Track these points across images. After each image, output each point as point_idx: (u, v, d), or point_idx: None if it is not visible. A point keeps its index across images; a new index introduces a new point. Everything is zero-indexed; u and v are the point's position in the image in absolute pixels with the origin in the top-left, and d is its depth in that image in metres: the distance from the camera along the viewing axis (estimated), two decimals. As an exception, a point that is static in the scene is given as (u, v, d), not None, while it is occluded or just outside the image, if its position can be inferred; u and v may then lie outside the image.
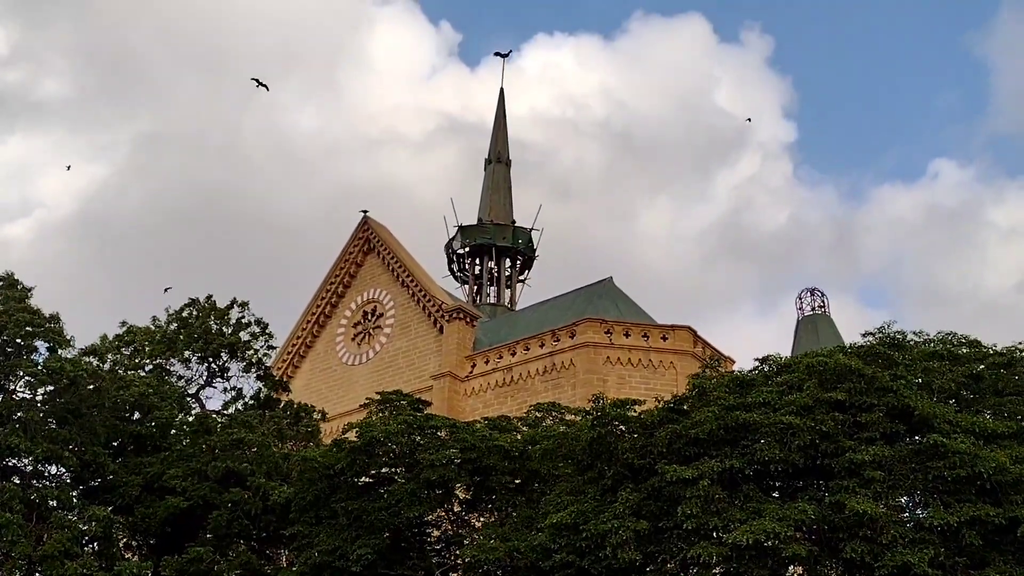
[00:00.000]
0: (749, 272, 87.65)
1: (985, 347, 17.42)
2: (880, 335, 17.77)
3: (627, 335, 31.33)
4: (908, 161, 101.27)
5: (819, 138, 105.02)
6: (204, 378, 25.88)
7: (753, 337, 77.56)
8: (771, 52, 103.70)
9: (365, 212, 37.72)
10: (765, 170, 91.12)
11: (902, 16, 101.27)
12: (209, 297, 27.33)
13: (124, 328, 25.56)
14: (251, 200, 78.33)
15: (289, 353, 37.33)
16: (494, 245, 42.67)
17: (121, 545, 21.67)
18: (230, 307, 26.74)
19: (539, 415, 20.85)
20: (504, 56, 48.13)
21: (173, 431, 23.23)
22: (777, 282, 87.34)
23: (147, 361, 25.27)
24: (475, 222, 43.82)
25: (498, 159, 45.61)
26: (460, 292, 42.84)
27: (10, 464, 20.78)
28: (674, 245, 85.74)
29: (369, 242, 37.60)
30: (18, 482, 20.73)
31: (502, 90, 47.50)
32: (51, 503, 20.21)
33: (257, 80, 33.37)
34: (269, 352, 25.94)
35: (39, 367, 21.06)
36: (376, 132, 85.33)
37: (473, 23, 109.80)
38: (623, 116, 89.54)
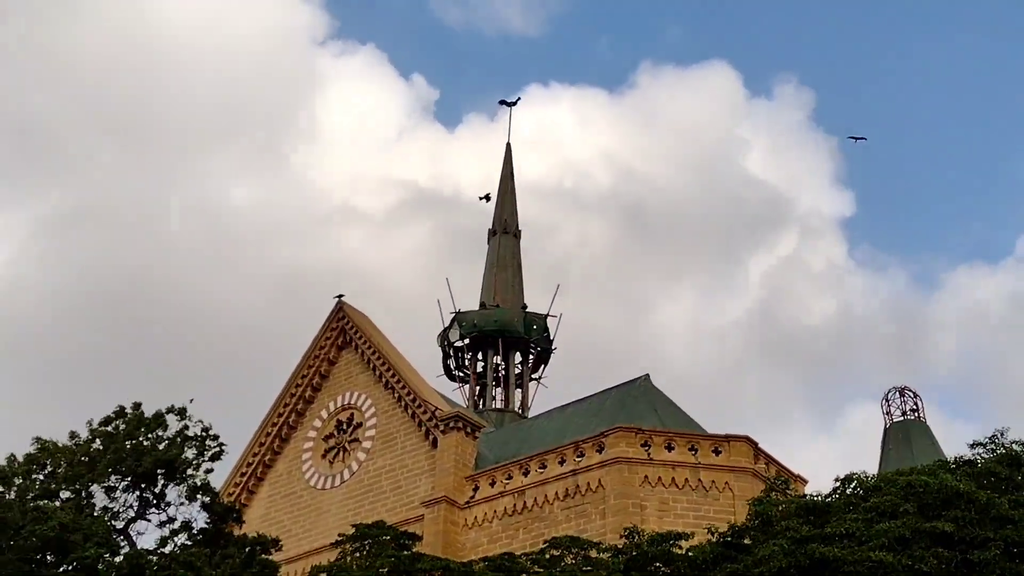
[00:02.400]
0: (791, 374, 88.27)
1: None
2: (993, 448, 17.27)
3: (670, 447, 30.93)
4: (991, 238, 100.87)
5: (878, 211, 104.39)
6: (135, 508, 25.62)
7: (805, 451, 77.08)
8: (812, 108, 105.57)
9: (340, 297, 37.87)
10: (808, 250, 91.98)
11: (977, 67, 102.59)
12: (137, 406, 27.47)
13: (36, 446, 25.45)
14: (182, 289, 79.19)
15: (243, 475, 37.13)
16: (501, 335, 42.79)
17: None
18: (164, 414, 26.93)
19: (556, 553, 20.18)
20: (511, 104, 49.39)
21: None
22: (829, 386, 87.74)
23: (64, 487, 25.08)
24: (476, 307, 44.00)
25: (504, 229, 46.27)
26: (458, 395, 42.83)
27: None
28: (698, 342, 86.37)
29: (345, 334, 37.59)
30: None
31: (509, 146, 48.58)
32: None
33: (485, 197, 37.52)
34: (218, 463, 26.23)
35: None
36: (331, 208, 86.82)
37: (452, 76, 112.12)
38: (633, 186, 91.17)
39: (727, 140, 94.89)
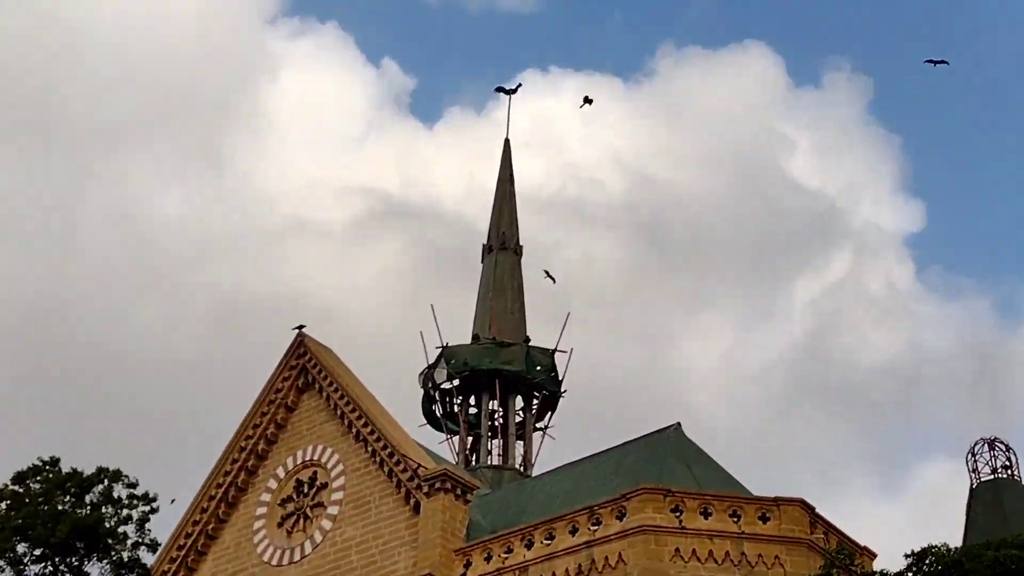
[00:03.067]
0: (848, 424, 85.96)
1: None
2: None
3: (707, 513, 30.00)
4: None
5: (953, 225, 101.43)
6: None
7: (869, 517, 75.30)
8: (870, 99, 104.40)
9: (300, 328, 37.08)
10: (866, 272, 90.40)
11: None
12: (55, 462, 26.89)
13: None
14: (96, 318, 77.63)
15: (181, 548, 35.89)
16: (499, 375, 41.98)
17: None
18: (90, 476, 26.40)
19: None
20: (511, 92, 48.71)
21: None
22: (895, 438, 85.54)
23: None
24: (467, 340, 43.36)
25: (503, 245, 45.43)
26: (446, 448, 42.26)
27: None
28: (733, 383, 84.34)
29: (306, 373, 36.61)
30: None
31: (507, 143, 47.70)
32: None
33: (547, 273, 39.10)
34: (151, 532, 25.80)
35: None
36: (281, 220, 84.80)
37: (431, 61, 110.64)
38: (651, 195, 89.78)
39: (766, 138, 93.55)
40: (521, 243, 46.07)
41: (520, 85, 49.98)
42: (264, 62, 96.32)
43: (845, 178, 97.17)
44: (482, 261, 45.71)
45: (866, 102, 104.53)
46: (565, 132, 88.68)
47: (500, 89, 49.04)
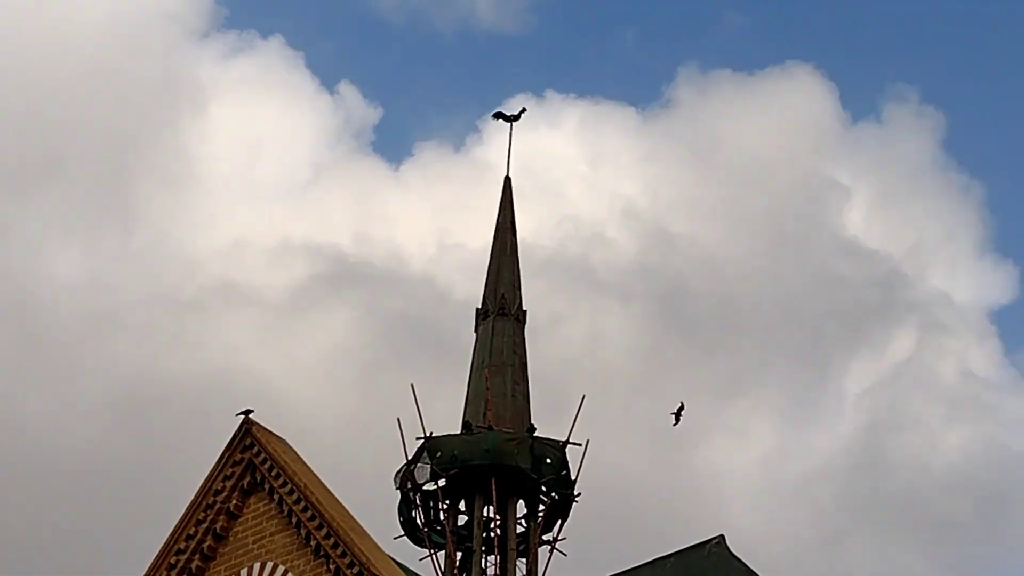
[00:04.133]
0: (916, 546, 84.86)
1: None
2: None
3: None
4: None
5: None
6: None
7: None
8: (943, 136, 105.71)
9: (246, 415, 36.35)
10: (938, 355, 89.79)
11: None
12: None
13: None
14: None
15: None
16: (496, 473, 40.98)
17: None
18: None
19: None
20: (512, 119, 48.43)
21: None
22: (977, 564, 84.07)
23: None
24: (456, 429, 42.34)
25: (501, 310, 44.70)
26: (428, 567, 41.29)
27: None
28: (773, 492, 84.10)
29: (254, 471, 35.54)
30: None
31: (508, 183, 47.27)
32: None
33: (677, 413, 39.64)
34: None
35: None
36: (206, 285, 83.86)
37: (400, 87, 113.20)
38: (671, 257, 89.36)
39: (814, 186, 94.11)
40: (525, 308, 45.55)
41: (524, 110, 49.46)
42: (188, 90, 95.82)
43: (912, 236, 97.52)
44: (475, 330, 44.89)
45: (938, 140, 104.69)
46: (565, 175, 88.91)
47: (499, 116, 48.78)
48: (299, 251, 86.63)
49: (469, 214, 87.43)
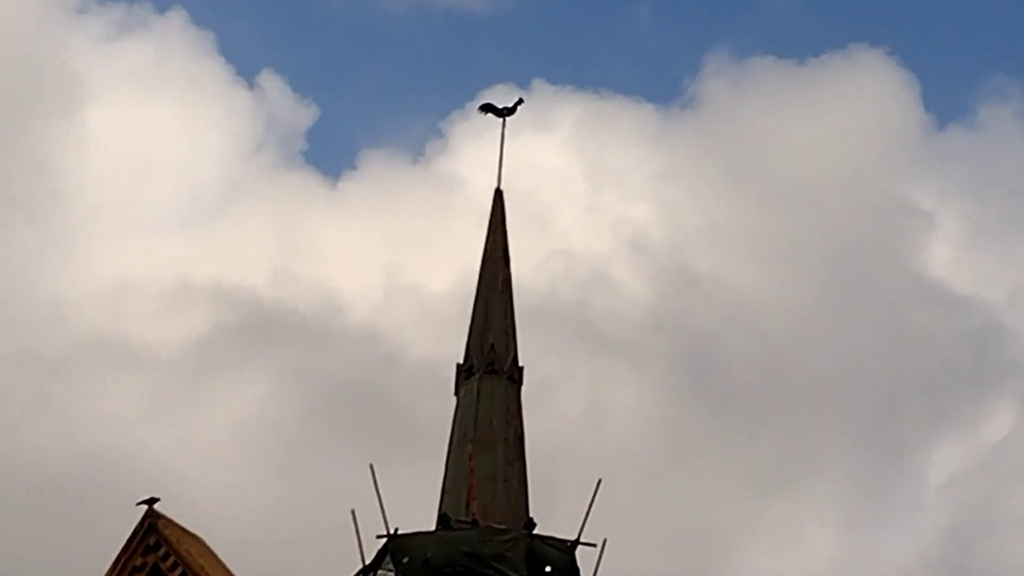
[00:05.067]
0: None
1: None
2: None
3: None
4: None
5: None
6: None
7: None
8: None
9: (150, 504, 36.22)
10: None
11: None
12: None
13: None
14: None
15: None
16: None
17: None
18: None
19: None
20: (506, 114, 47.26)
21: None
22: None
23: None
24: (430, 525, 40.45)
25: (489, 366, 42.83)
26: None
27: None
28: None
29: None
30: None
31: (499, 195, 45.93)
32: None
33: None
34: None
35: None
36: (75, 343, 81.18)
37: (341, 79, 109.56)
38: (696, 305, 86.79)
39: (886, 212, 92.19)
40: (522, 364, 43.59)
41: (520, 101, 48.09)
42: (57, 84, 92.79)
43: (1013, 279, 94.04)
44: (455, 392, 43.04)
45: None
46: (556, 195, 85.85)
47: (488, 109, 47.55)
48: (202, 296, 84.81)
49: (429, 246, 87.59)
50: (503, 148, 46.33)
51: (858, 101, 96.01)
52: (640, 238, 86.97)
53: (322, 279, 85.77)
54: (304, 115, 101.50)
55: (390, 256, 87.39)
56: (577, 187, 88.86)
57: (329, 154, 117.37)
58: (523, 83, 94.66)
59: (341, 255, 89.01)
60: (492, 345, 43.10)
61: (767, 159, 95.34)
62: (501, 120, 47.19)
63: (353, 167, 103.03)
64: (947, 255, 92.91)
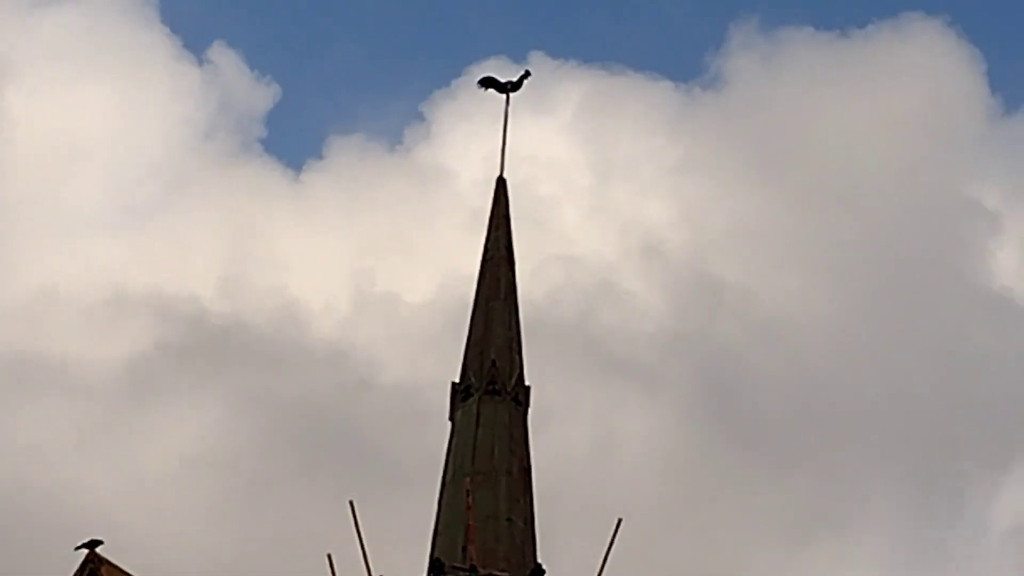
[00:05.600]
0: None
1: None
2: None
3: None
4: None
5: None
6: None
7: None
8: None
9: (93, 547, 35.87)
10: None
11: None
12: None
13: None
14: None
15: None
16: None
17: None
18: None
19: None
20: (510, 89, 46.46)
21: None
22: None
23: None
24: (421, 572, 39.56)
25: (491, 386, 41.86)
26: None
27: None
28: None
29: None
30: None
31: (502, 184, 45.14)
32: None
33: None
34: None
35: None
36: None
37: (304, 56, 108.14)
38: (720, 319, 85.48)
39: (944, 211, 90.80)
40: (526, 380, 42.62)
41: (527, 74, 47.22)
42: None
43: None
44: (450, 417, 42.00)
45: None
46: (557, 190, 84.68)
47: (488, 83, 46.58)
48: (140, 308, 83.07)
49: (408, 249, 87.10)
50: (507, 129, 45.44)
51: (911, 81, 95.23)
52: (654, 241, 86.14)
53: (282, 288, 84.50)
54: (262, 96, 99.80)
55: (362, 261, 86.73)
56: (581, 181, 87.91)
57: (291, 141, 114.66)
58: (518, 57, 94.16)
59: (304, 259, 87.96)
60: (493, 361, 42.02)
61: (803, 149, 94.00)
62: (504, 96, 46.38)
63: (319, 156, 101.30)
64: (1015, 263, 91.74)
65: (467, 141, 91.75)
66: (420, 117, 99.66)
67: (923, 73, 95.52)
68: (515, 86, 46.75)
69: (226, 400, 78.64)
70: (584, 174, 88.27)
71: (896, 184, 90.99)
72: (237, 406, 78.44)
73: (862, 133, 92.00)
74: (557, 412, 70.08)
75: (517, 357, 42.55)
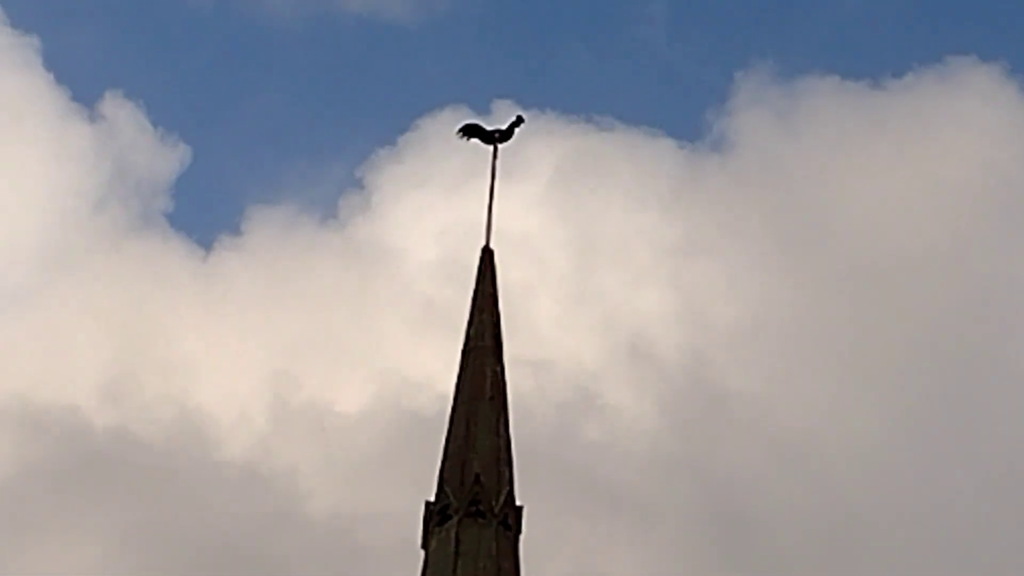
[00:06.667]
0: None
1: None
2: None
3: None
4: None
5: None
6: None
7: None
8: None
9: None
10: None
11: None
12: None
13: None
14: None
15: None
16: None
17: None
18: None
19: None
20: (498, 139, 46.45)
21: None
22: None
23: None
24: None
25: (473, 506, 41.71)
26: None
27: None
28: None
29: None
30: None
31: (488, 255, 45.04)
32: None
33: None
34: None
35: None
36: None
37: (219, 110, 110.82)
38: (728, 437, 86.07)
39: (1004, 296, 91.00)
40: (517, 501, 42.71)
41: (520, 120, 47.00)
42: None
43: None
44: (423, 544, 41.67)
45: None
46: (534, 276, 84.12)
47: (472, 132, 46.44)
48: (4, 421, 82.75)
49: (339, 348, 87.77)
50: (494, 189, 45.20)
51: (961, 142, 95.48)
52: (646, 342, 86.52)
53: (183, 396, 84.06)
54: (167, 159, 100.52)
55: (284, 363, 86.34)
56: (557, 264, 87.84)
57: (201, 214, 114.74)
58: (480, 106, 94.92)
59: (213, 360, 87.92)
60: (477, 476, 41.64)
61: (828, 227, 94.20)
62: (493, 147, 45.97)
63: (235, 232, 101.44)
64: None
65: (416, 214, 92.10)
66: (358, 184, 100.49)
67: (976, 132, 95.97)
68: (504, 135, 46.36)
69: (111, 534, 78.12)
70: (561, 256, 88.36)
71: (942, 269, 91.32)
72: (125, 542, 77.82)
73: (900, 207, 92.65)
74: (533, 547, 69.92)
75: (506, 471, 42.19)
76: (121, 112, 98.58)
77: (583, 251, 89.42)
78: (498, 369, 43.96)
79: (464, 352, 44.08)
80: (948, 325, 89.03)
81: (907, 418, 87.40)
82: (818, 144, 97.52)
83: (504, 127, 46.98)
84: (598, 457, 79.44)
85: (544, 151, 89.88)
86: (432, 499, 41.89)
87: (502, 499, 41.81)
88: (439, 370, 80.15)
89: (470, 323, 44.57)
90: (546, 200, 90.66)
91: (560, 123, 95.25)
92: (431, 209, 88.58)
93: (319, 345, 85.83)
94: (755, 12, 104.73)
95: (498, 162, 46.14)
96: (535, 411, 76.21)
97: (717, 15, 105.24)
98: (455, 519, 41.09)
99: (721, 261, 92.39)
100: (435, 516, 41.55)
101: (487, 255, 45.03)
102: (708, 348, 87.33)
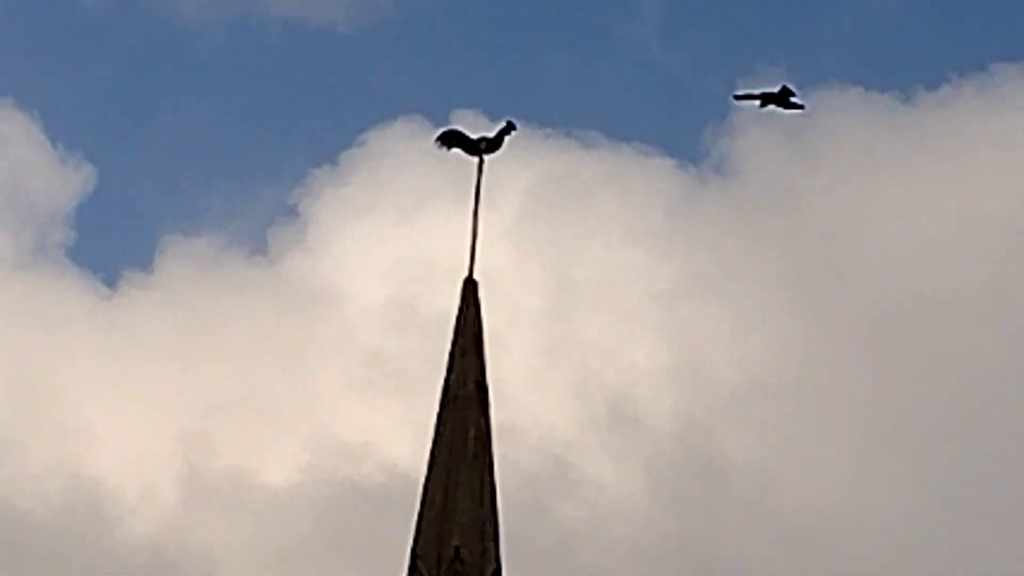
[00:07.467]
0: None
1: None
2: None
3: None
4: None
5: None
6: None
7: None
8: None
9: None
10: None
11: None
12: None
13: None
14: None
15: None
16: None
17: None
18: None
19: None
20: (484, 149, 46.30)
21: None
22: None
23: None
24: None
25: (456, 563, 41.49)
26: None
27: None
28: None
29: None
30: None
31: (471, 286, 45.08)
32: None
33: None
34: None
35: None
36: None
37: (130, 128, 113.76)
38: (731, 515, 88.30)
39: None
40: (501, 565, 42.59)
41: (511, 127, 46.94)
42: None
43: None
44: None
45: None
46: (501, 324, 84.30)
47: (453, 140, 46.04)
48: None
49: (266, 406, 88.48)
50: (478, 210, 44.81)
51: (1004, 162, 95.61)
52: (631, 402, 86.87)
53: (79, 463, 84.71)
54: (68, 182, 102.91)
55: (198, 423, 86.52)
56: (528, 308, 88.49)
57: (106, 245, 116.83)
58: (438, 117, 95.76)
59: (114, 421, 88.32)
60: (456, 549, 41.37)
61: (847, 263, 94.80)
62: (478, 159, 45.70)
63: (145, 266, 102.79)
64: None
65: (361, 248, 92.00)
66: (291, 212, 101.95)
67: (1022, 153, 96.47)
68: (492, 144, 45.94)
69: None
70: (533, 299, 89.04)
71: (979, 315, 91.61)
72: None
73: (931, 242, 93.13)
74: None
75: (492, 545, 41.96)
76: (13, 126, 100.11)
77: (559, 293, 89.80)
78: (483, 423, 44.38)
79: (443, 403, 44.08)
80: (985, 382, 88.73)
81: (937, 493, 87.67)
82: (836, 168, 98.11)
83: (491, 135, 46.54)
84: (576, 539, 79.82)
85: (516, 172, 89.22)
86: (414, 553, 41.53)
87: (487, 566, 41.43)
88: (385, 434, 79.93)
89: (450, 368, 44.46)
90: (516, 231, 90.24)
91: (535, 139, 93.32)
92: (379, 241, 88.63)
93: (242, 403, 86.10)
94: (763, 11, 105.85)
95: (483, 180, 45.38)
96: (520, 488, 77.72)
97: (719, 15, 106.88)
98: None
99: (722, 307, 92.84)
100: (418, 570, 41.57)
101: (470, 287, 44.98)
102: (705, 412, 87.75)
